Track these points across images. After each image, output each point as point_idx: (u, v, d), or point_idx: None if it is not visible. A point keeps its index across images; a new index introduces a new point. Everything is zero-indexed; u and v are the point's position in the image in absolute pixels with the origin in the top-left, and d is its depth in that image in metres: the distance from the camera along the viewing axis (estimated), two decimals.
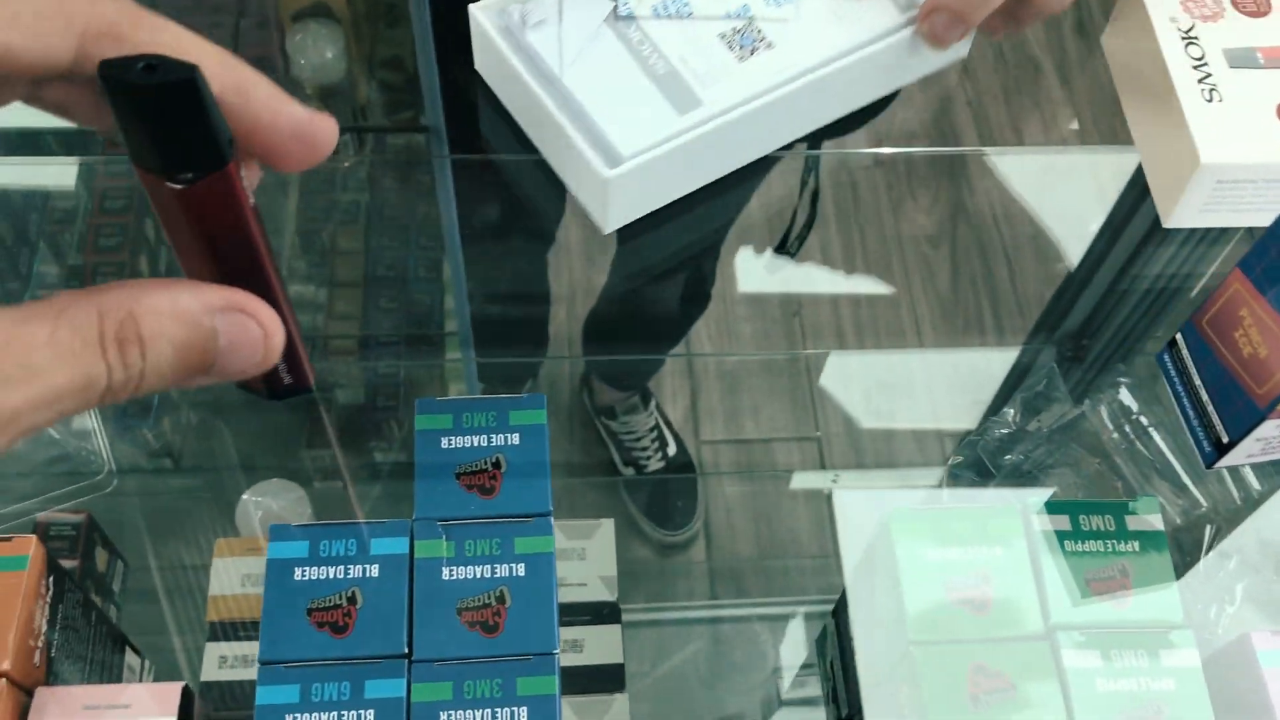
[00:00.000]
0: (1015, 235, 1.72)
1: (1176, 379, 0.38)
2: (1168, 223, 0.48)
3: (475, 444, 0.47)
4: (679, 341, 1.26)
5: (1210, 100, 0.46)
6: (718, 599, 1.34)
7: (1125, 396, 0.63)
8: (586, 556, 0.69)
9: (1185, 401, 0.38)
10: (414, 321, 1.19)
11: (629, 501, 1.35)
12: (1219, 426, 0.37)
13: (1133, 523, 0.47)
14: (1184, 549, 0.62)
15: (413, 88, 1.05)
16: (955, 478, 0.64)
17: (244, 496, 0.73)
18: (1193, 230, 0.80)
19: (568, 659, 0.66)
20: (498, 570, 0.44)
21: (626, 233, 1.08)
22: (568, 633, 0.66)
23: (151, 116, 0.24)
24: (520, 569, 0.45)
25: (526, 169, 0.92)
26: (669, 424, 1.40)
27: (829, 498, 1.07)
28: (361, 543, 0.45)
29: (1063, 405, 0.65)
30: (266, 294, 0.29)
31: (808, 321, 1.56)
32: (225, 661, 0.61)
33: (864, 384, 1.26)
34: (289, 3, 0.88)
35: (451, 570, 0.44)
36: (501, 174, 0.90)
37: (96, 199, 1.08)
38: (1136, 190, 0.85)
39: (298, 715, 0.41)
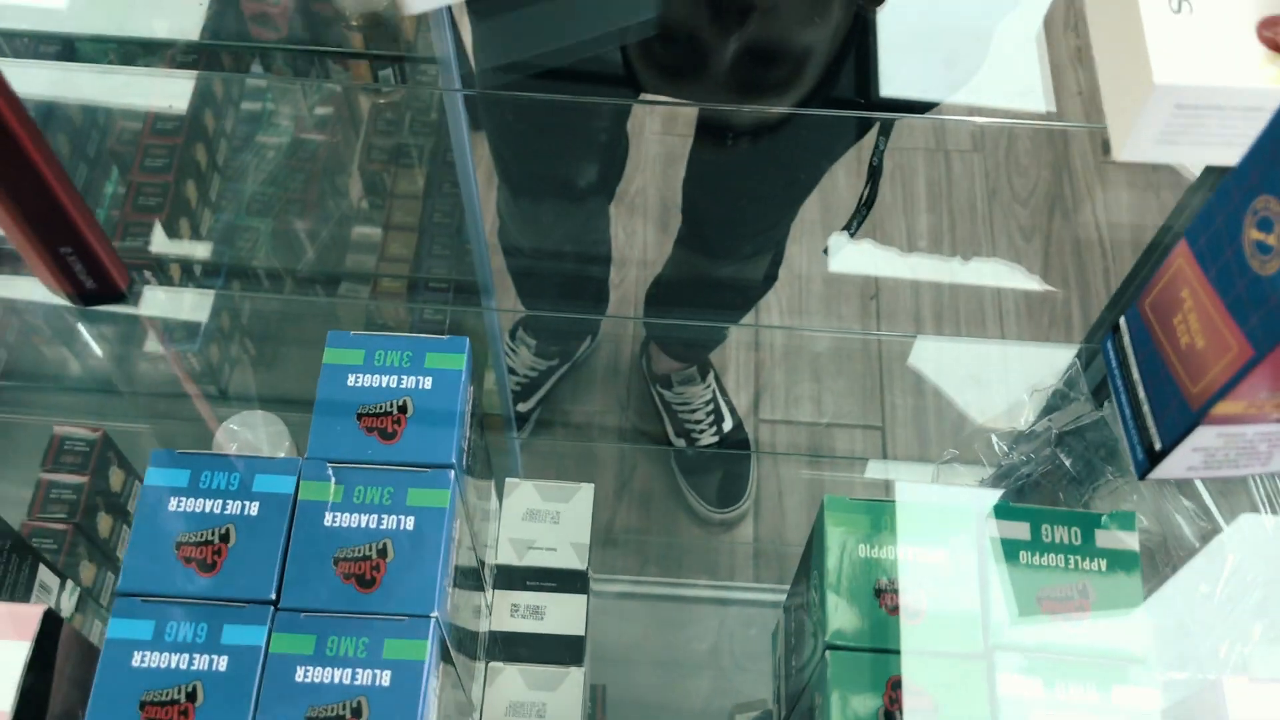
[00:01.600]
0: (1115, 233, 1.63)
1: (1117, 372, 0.33)
2: (1119, 155, 0.39)
3: (383, 384, 0.43)
4: (741, 316, 1.22)
5: (1179, 10, 0.38)
6: (759, 581, 1.29)
7: None
8: (560, 521, 0.65)
9: (1123, 399, 0.32)
10: (465, 269, 1.16)
11: (678, 474, 1.31)
12: (1152, 430, 0.31)
13: (1103, 538, 0.41)
14: (1201, 577, 0.55)
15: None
16: (947, 469, 0.59)
17: (223, 424, 0.71)
18: None
19: (526, 625, 0.62)
20: (384, 521, 0.41)
21: (693, 200, 1.03)
22: (530, 597, 0.63)
23: None
24: (409, 522, 0.41)
25: (581, 112, 0.88)
26: (727, 399, 1.35)
27: (887, 487, 1.01)
28: (245, 478, 0.42)
29: (1081, 407, 0.59)
30: (48, 199, 0.25)
31: (884, 306, 1.50)
32: None
33: (937, 375, 1.20)
34: None
35: (335, 516, 0.41)
36: (555, 120, 0.86)
37: (149, 120, 1.07)
38: None
39: (147, 653, 0.39)
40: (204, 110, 1.12)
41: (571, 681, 0.61)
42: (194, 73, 1.04)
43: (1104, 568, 0.40)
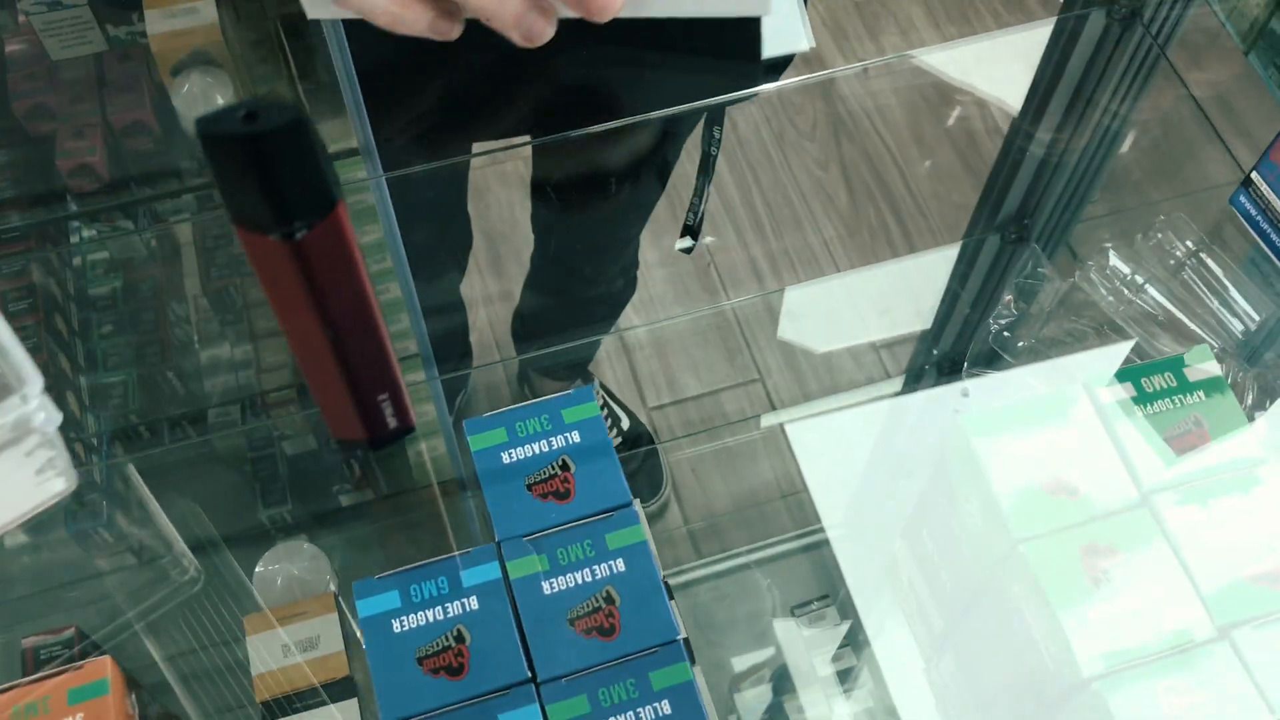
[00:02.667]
0: (898, 139, 1.74)
1: (1259, 216, 0.38)
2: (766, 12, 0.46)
3: (537, 451, 0.45)
4: (609, 326, 1.26)
5: None
6: (705, 557, 1.33)
7: (1115, 260, 0.64)
8: None
9: (1271, 234, 0.38)
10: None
11: None
12: None
13: (1192, 374, 0.47)
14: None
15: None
16: (974, 376, 0.64)
17: (258, 569, 0.70)
18: (1115, 90, 0.82)
19: None
20: (598, 571, 0.43)
21: (543, 233, 1.06)
22: None
23: (257, 168, 0.22)
24: (620, 564, 0.43)
25: (437, 180, 0.89)
26: (617, 400, 1.38)
27: (784, 435, 1.07)
28: (452, 578, 0.43)
29: (1055, 283, 0.65)
30: (376, 339, 0.27)
31: (723, 270, 1.57)
32: None
33: (791, 318, 1.26)
34: (166, 57, 0.84)
35: (551, 583, 0.43)
36: (409, 192, 0.87)
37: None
38: (1047, 64, 0.86)
39: None
40: (48, 280, 1.07)
41: None
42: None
43: (1204, 397, 0.46)
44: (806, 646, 0.85)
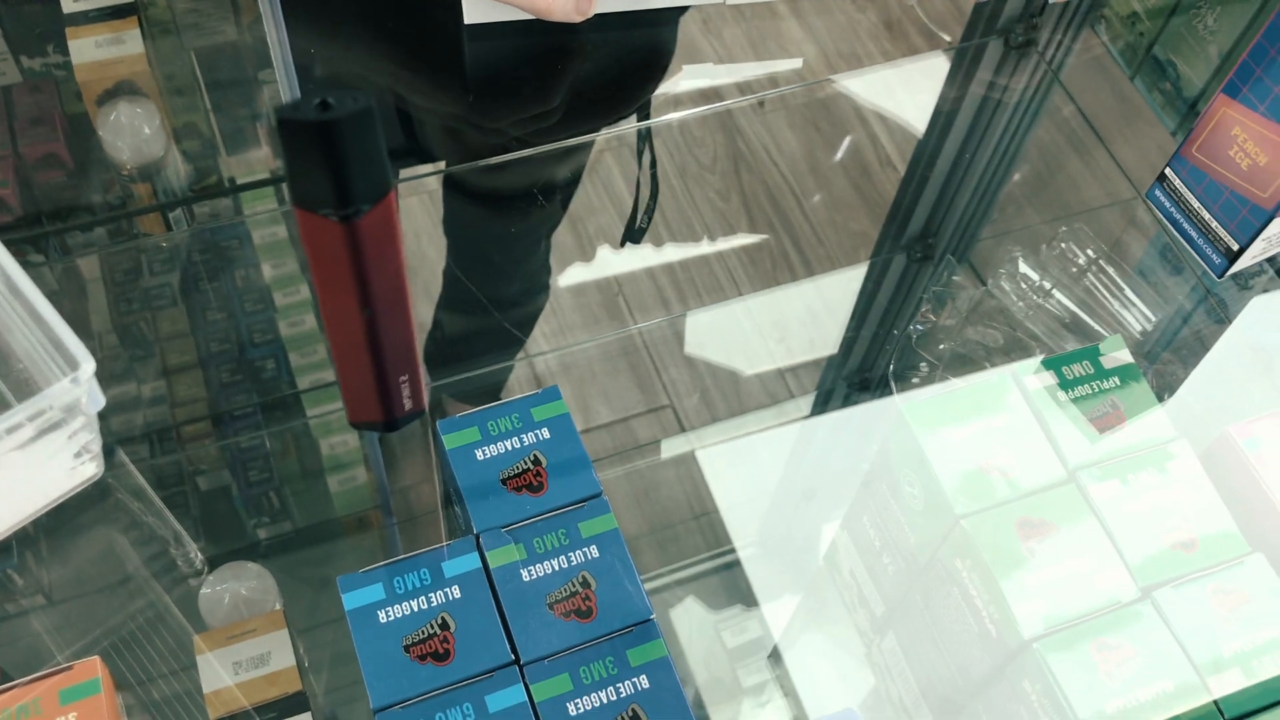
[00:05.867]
0: (795, 170, 1.80)
1: (1173, 209, 0.42)
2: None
3: (509, 448, 0.47)
4: (524, 341, 1.27)
5: None
6: (646, 571, 1.35)
7: (1025, 268, 0.69)
8: None
9: (1185, 226, 0.42)
10: (264, 389, 1.15)
11: None
12: (1227, 237, 0.41)
13: (1107, 362, 0.51)
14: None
15: (213, 151, 1.02)
16: (900, 380, 0.68)
17: (204, 589, 0.70)
18: (1012, 113, 0.87)
19: None
20: (573, 558, 0.45)
21: (457, 229, 1.08)
22: None
23: (329, 152, 0.24)
24: (593, 551, 0.46)
25: None
26: None
27: (696, 458, 1.10)
28: (434, 569, 0.45)
29: (968, 291, 0.70)
30: (405, 322, 0.29)
31: (631, 298, 1.60)
32: None
33: (699, 344, 1.30)
34: (91, 87, 0.84)
35: (530, 570, 0.45)
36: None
37: None
38: (949, 89, 0.91)
39: None
40: None
41: None
42: None
43: (1118, 383, 0.51)
44: (730, 660, 0.87)
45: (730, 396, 1.26)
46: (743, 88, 1.93)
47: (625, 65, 0.80)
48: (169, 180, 0.93)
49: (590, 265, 1.45)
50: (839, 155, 1.74)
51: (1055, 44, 0.82)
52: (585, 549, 0.46)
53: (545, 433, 0.48)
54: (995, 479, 0.49)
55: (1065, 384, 0.51)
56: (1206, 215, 0.44)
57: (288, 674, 0.59)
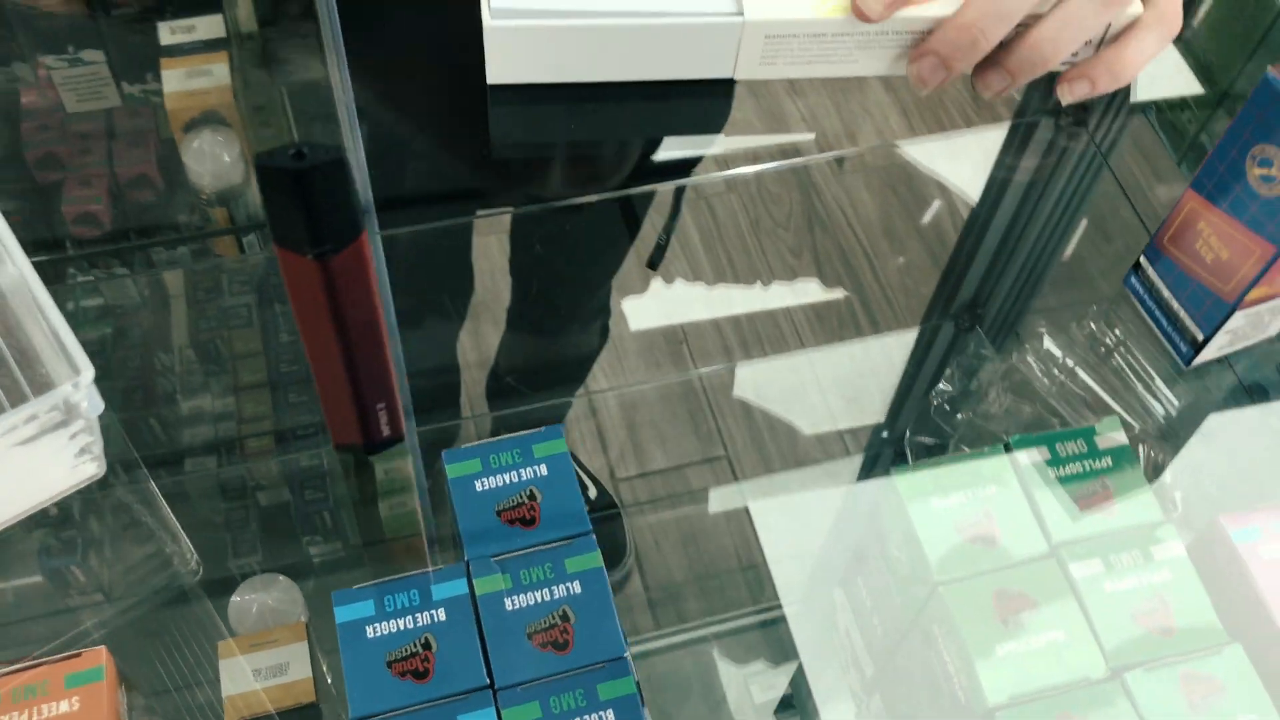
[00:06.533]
0: (870, 231, 1.81)
1: (1146, 296, 0.43)
2: (738, 75, 0.55)
3: (508, 481, 0.50)
4: (583, 381, 1.30)
5: None
6: (662, 627, 1.37)
7: (1049, 345, 0.70)
8: None
9: (1157, 314, 0.43)
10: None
11: None
12: (1193, 327, 0.42)
13: (1102, 442, 0.52)
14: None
15: None
16: (916, 446, 0.69)
17: (234, 598, 0.74)
18: (1061, 191, 0.88)
19: None
20: (556, 591, 0.47)
21: (521, 269, 1.11)
22: None
23: (301, 197, 0.27)
24: (576, 586, 0.48)
25: (437, 241, 0.95)
26: (585, 468, 1.42)
27: (748, 510, 1.11)
28: (423, 591, 0.47)
29: (994, 363, 0.71)
30: (381, 353, 0.31)
31: (695, 347, 1.62)
32: None
33: (759, 396, 1.31)
34: (179, 115, 0.89)
35: (514, 600, 0.47)
36: (410, 252, 0.93)
37: None
38: (1002, 163, 0.93)
39: None
40: None
41: None
42: None
43: (1111, 464, 0.52)
44: (758, 717, 0.88)
45: (786, 450, 1.27)
46: (823, 146, 1.95)
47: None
48: (246, 207, 0.98)
49: (657, 310, 1.47)
50: (926, 218, 1.75)
51: (1105, 126, 0.83)
52: (569, 584, 0.48)
53: (544, 469, 0.50)
54: (978, 550, 0.50)
55: (1057, 461, 0.52)
56: (1175, 305, 0.45)
57: (303, 685, 0.62)
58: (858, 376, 1.06)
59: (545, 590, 0.47)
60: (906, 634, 0.52)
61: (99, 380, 1.13)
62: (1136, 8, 0.51)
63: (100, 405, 0.41)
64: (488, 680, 0.46)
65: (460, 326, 1.19)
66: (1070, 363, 0.70)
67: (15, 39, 1.01)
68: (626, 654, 0.46)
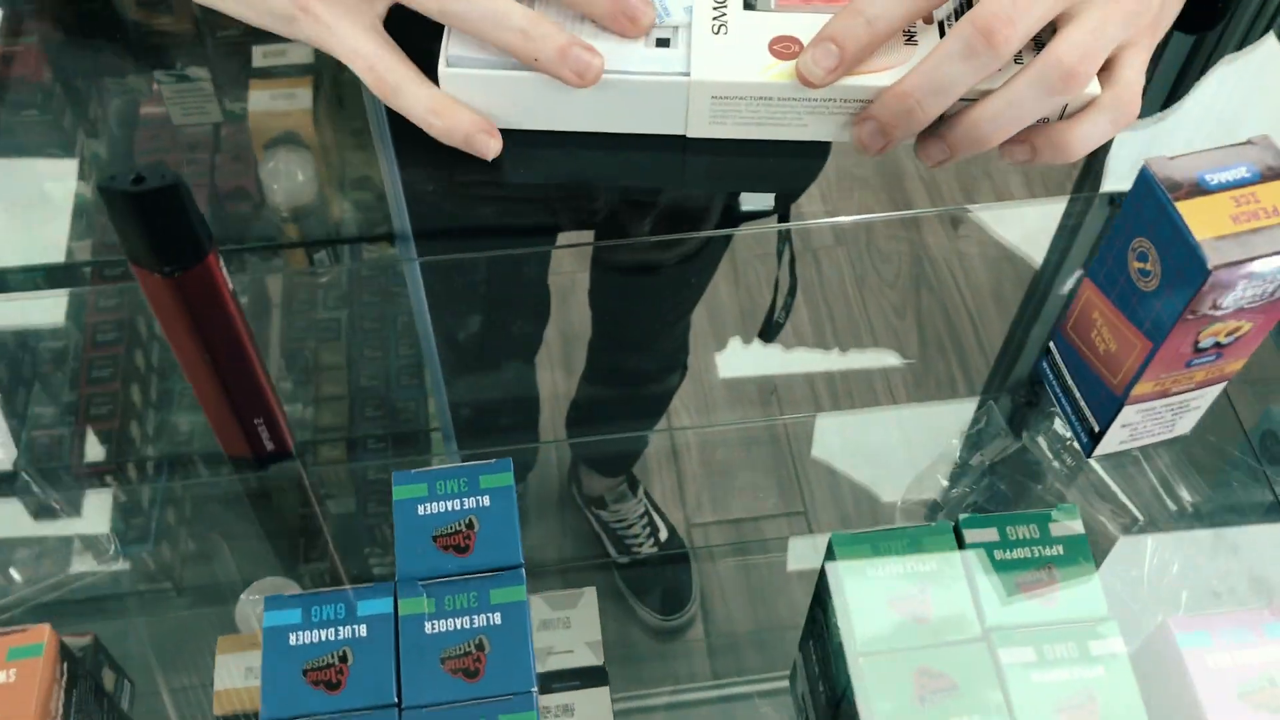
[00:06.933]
0: (978, 296, 1.78)
1: (1054, 383, 0.42)
2: (689, 133, 0.56)
3: (449, 508, 0.51)
4: (660, 416, 1.31)
5: (716, 33, 0.53)
6: (720, 678, 1.36)
7: (1060, 427, 0.68)
8: (571, 625, 0.73)
9: (1063, 401, 0.42)
10: (399, 425, 1.23)
11: (625, 590, 1.38)
12: (1090, 418, 0.41)
13: (1055, 529, 0.51)
14: (1128, 562, 0.66)
15: (382, 204, 1.11)
16: (908, 515, 0.68)
17: (242, 596, 0.77)
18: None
19: None
20: (475, 620, 0.48)
21: (600, 302, 1.13)
22: (558, 698, 0.69)
23: (142, 218, 0.29)
24: (496, 618, 0.49)
25: (505, 269, 0.97)
26: (659, 510, 1.43)
27: (822, 569, 1.10)
28: (350, 606, 0.49)
29: (1003, 440, 0.69)
30: (248, 370, 0.33)
31: (785, 398, 1.61)
32: None
33: (843, 452, 1.30)
34: (260, 134, 0.94)
35: (434, 624, 0.48)
36: (481, 277, 0.95)
37: (88, 334, 1.12)
38: (1059, 236, 0.91)
39: None
40: (137, 317, 1.18)
41: None
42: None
43: (1061, 551, 0.50)
44: None
45: (865, 509, 1.26)
46: (937, 198, 1.93)
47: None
48: (317, 225, 1.02)
49: (748, 356, 1.48)
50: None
51: None
52: (490, 614, 0.49)
53: (486, 500, 0.51)
54: (907, 624, 0.49)
55: (1005, 543, 0.50)
56: (1076, 393, 0.44)
57: None
58: (943, 441, 1.04)
59: (466, 618, 0.49)
60: (837, 703, 0.52)
61: (187, 380, 1.18)
62: (1094, 88, 0.50)
63: None
64: (395, 699, 0.47)
65: (535, 354, 1.22)
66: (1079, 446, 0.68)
67: (130, 53, 1.08)
68: (533, 690, 0.47)
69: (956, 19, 0.53)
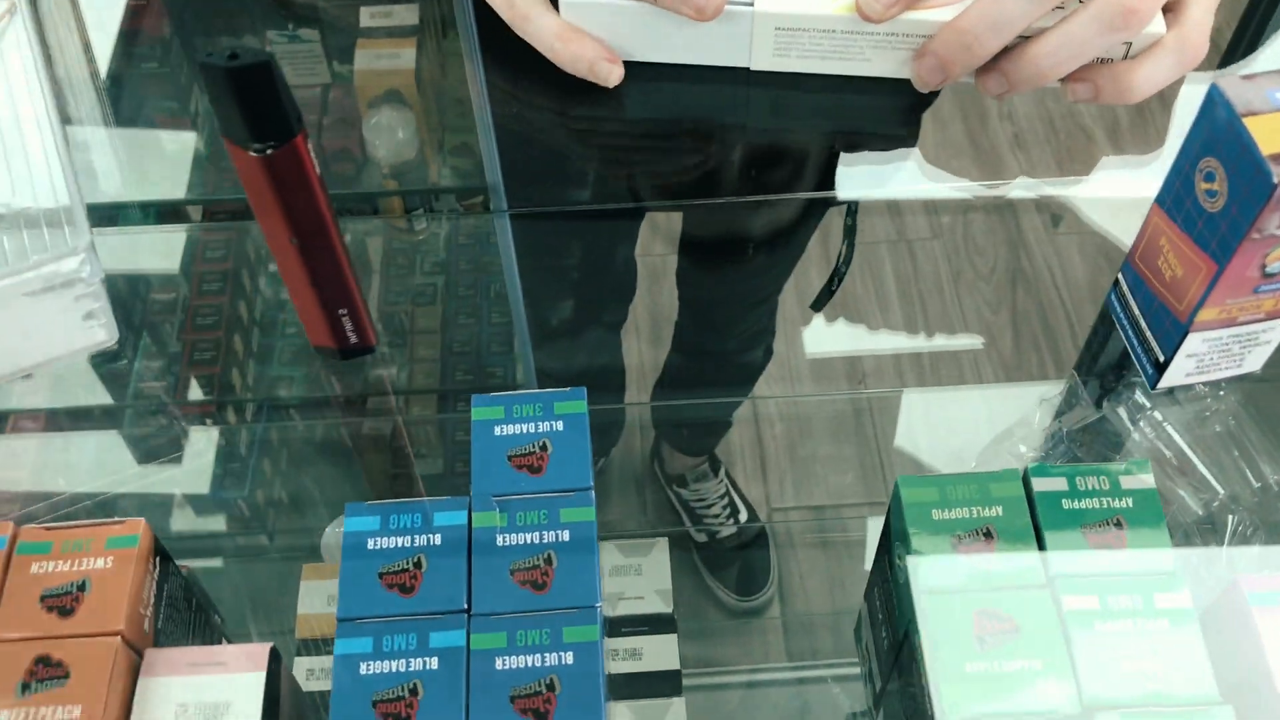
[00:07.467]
0: (1075, 299, 1.75)
1: (1122, 315, 0.42)
2: (753, 65, 0.57)
3: (525, 431, 0.53)
4: (745, 398, 1.31)
5: None
6: (793, 659, 1.36)
7: (1140, 398, 0.67)
8: (643, 572, 0.74)
9: (1130, 333, 0.42)
10: (487, 390, 1.24)
11: (703, 569, 1.39)
12: (1155, 348, 0.40)
13: (1127, 481, 0.51)
14: (1205, 538, 0.65)
15: (480, 168, 1.14)
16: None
17: (328, 529, 0.79)
18: None
19: (627, 666, 0.70)
20: (545, 536, 0.50)
21: (687, 282, 1.14)
22: (627, 642, 0.71)
23: (236, 94, 0.31)
24: (565, 535, 0.50)
25: (592, 235, 0.99)
26: (740, 491, 1.44)
27: (888, 510, 1.09)
28: (426, 516, 0.51)
29: (1084, 410, 0.69)
30: (332, 253, 0.35)
31: (872, 388, 1.60)
32: (313, 674, 0.67)
33: (929, 436, 1.29)
34: (365, 92, 0.97)
35: (505, 537, 0.50)
36: (568, 239, 0.97)
37: (195, 283, 1.17)
38: None
39: (370, 663, 0.47)
40: (241, 269, 1.22)
41: (675, 712, 0.69)
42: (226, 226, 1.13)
43: (1131, 504, 0.50)
44: None
45: None
46: (1040, 205, 1.90)
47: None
48: (418, 181, 1.05)
49: (840, 346, 1.47)
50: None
51: None
52: (559, 532, 0.50)
53: (560, 425, 0.53)
54: (970, 566, 0.49)
55: (1075, 493, 0.50)
56: (1143, 323, 0.43)
57: None
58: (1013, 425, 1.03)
59: (536, 534, 0.50)
60: (900, 644, 0.52)
61: (289, 335, 1.21)
62: (1158, 27, 0.49)
63: (100, 272, 0.46)
64: (465, 605, 0.49)
65: (622, 324, 1.23)
66: (1159, 416, 0.67)
67: (248, 14, 1.11)
68: (598, 605, 0.49)
69: None
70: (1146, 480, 0.51)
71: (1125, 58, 0.50)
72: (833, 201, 0.98)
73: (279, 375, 1.21)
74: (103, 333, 0.50)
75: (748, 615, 1.39)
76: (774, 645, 1.43)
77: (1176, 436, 0.68)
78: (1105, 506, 0.50)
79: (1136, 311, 0.45)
